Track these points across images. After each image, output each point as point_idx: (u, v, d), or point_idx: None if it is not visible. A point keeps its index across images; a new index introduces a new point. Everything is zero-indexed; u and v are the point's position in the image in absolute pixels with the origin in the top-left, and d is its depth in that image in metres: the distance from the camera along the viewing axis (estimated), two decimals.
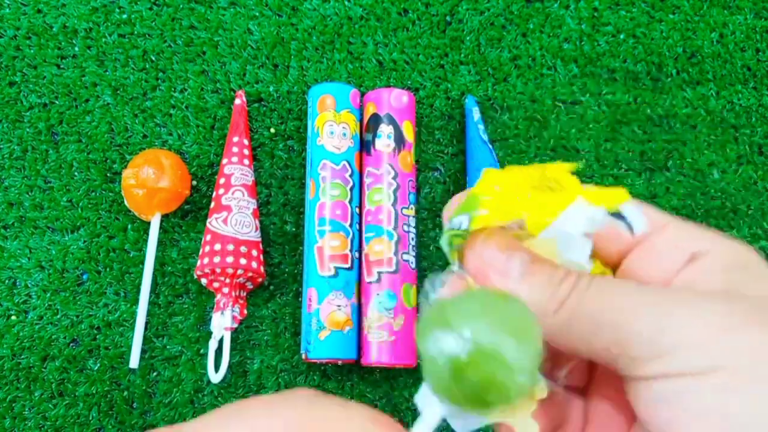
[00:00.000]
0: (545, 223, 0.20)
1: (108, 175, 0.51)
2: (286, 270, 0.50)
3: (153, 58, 0.54)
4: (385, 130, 0.50)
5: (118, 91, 0.53)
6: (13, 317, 0.48)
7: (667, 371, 0.18)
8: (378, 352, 0.46)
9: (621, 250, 0.22)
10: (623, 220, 0.20)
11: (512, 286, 0.20)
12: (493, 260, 0.21)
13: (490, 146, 0.51)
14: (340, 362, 0.46)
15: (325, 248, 0.47)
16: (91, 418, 0.47)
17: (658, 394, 0.18)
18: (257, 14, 0.55)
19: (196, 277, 0.48)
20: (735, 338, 0.17)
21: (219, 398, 0.48)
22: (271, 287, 0.50)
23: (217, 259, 0.46)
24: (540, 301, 0.20)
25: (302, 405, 0.19)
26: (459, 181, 0.52)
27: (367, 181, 0.49)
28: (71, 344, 0.48)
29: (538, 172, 0.21)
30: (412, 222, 0.49)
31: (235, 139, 0.51)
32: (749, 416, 0.17)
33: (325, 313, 0.46)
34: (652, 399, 0.18)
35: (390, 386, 0.48)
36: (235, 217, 0.48)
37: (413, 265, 0.48)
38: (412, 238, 0.49)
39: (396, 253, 0.47)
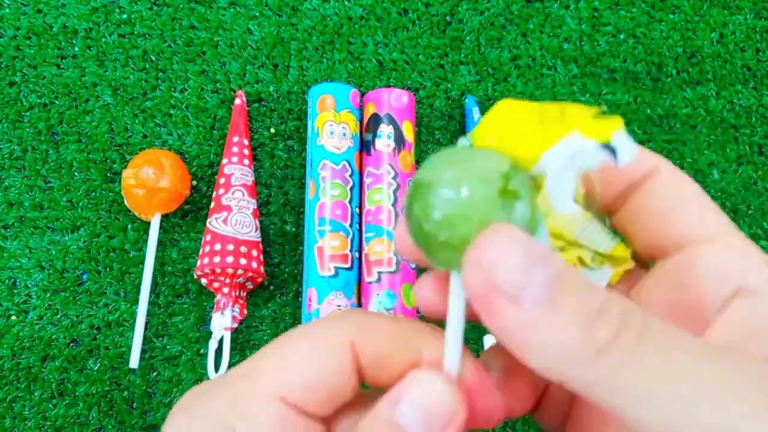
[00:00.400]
0: (530, 156, 0.17)
1: (108, 175, 0.51)
2: (286, 270, 0.50)
3: (153, 58, 0.54)
4: (385, 130, 0.50)
5: (118, 91, 0.53)
6: (13, 317, 0.48)
7: None
8: None
9: (620, 193, 0.20)
10: (613, 153, 0.17)
11: (523, 318, 0.15)
12: (503, 273, 0.15)
13: None
14: None
15: (325, 248, 0.47)
16: (91, 418, 0.47)
17: None
18: (257, 14, 0.55)
19: (196, 277, 0.48)
20: None
21: None
22: (271, 287, 0.50)
23: (217, 259, 0.46)
24: (566, 346, 0.15)
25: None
26: None
27: (367, 181, 0.49)
28: (71, 344, 0.48)
29: (553, 109, 0.18)
30: None
31: (235, 139, 0.51)
32: None
33: (325, 313, 0.46)
34: None
35: None
36: (235, 217, 0.48)
37: (413, 265, 0.48)
38: None
39: (396, 253, 0.47)
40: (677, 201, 0.19)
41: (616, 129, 0.17)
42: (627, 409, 0.15)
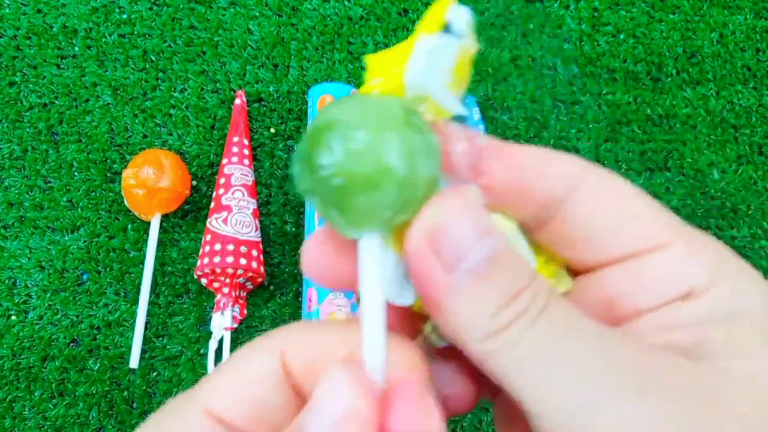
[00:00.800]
0: (400, 82, 0.16)
1: (108, 175, 0.51)
2: (286, 270, 0.50)
3: (153, 58, 0.54)
4: None
5: (118, 91, 0.53)
6: (13, 317, 0.48)
7: None
8: None
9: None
10: (453, 34, 0.16)
11: (452, 285, 0.15)
12: (449, 238, 0.15)
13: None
14: None
15: None
16: (91, 418, 0.47)
17: None
18: (257, 14, 0.55)
19: (196, 277, 0.48)
20: None
21: None
22: (271, 287, 0.50)
23: (217, 259, 0.46)
24: (477, 318, 0.15)
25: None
26: None
27: None
28: (71, 344, 0.48)
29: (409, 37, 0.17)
30: None
31: (235, 139, 0.51)
32: None
33: (325, 313, 0.46)
34: None
35: None
36: (235, 217, 0.48)
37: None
38: None
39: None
40: (608, 213, 0.18)
41: (446, 9, 0.16)
42: (511, 384, 0.15)
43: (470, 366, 0.19)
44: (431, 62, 0.16)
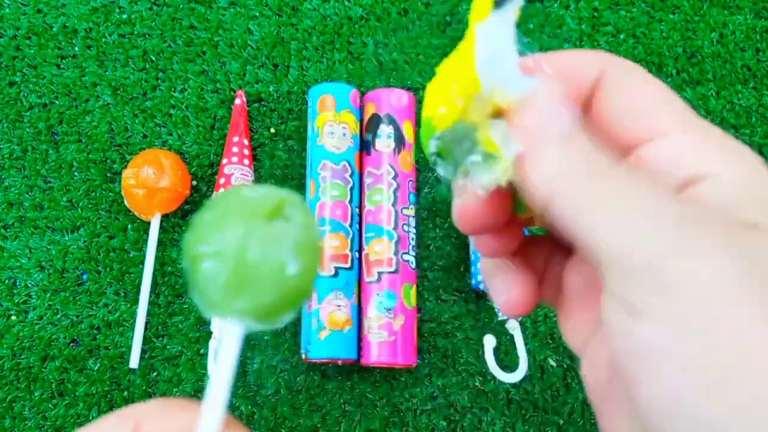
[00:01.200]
0: (474, 77, 0.18)
1: (108, 175, 0.51)
2: None
3: (153, 58, 0.54)
4: (385, 130, 0.50)
5: (118, 91, 0.53)
6: (13, 317, 0.48)
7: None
8: (378, 352, 0.46)
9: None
10: (503, 4, 0.18)
11: (545, 145, 0.18)
12: (544, 117, 0.18)
13: None
14: (340, 362, 0.46)
15: (325, 248, 0.47)
16: (91, 418, 0.47)
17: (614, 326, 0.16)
18: (257, 14, 0.55)
19: None
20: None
21: None
22: None
23: None
24: (560, 165, 0.17)
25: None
26: None
27: (367, 181, 0.49)
28: (71, 344, 0.48)
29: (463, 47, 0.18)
30: (412, 222, 0.49)
31: (235, 139, 0.51)
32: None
33: (325, 313, 0.46)
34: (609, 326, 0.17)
35: (390, 386, 0.48)
36: None
37: (413, 265, 0.48)
38: (412, 238, 0.49)
39: (396, 253, 0.47)
40: (631, 99, 0.19)
41: None
42: (584, 229, 0.17)
43: (534, 266, 0.22)
44: (493, 44, 0.18)
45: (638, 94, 0.19)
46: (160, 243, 0.50)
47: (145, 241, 0.50)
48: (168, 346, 0.48)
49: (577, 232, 0.17)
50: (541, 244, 0.23)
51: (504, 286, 0.22)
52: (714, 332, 0.14)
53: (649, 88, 0.19)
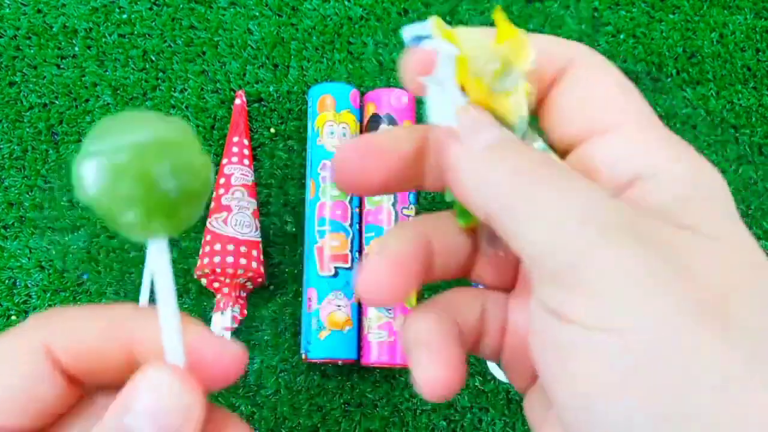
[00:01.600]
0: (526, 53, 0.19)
1: None
2: (286, 270, 0.50)
3: (153, 58, 0.54)
4: (385, 130, 0.50)
5: (118, 91, 0.53)
6: (13, 317, 0.48)
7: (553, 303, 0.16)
8: (378, 352, 0.46)
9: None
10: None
11: (471, 151, 0.18)
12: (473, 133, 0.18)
13: None
14: (340, 362, 0.46)
15: (325, 248, 0.47)
16: None
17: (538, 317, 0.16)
18: (257, 14, 0.55)
19: (196, 277, 0.48)
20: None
21: (219, 398, 0.48)
22: (271, 287, 0.50)
23: (217, 259, 0.46)
24: (497, 172, 0.17)
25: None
26: None
27: None
28: None
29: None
30: None
31: (235, 139, 0.51)
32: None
33: (325, 313, 0.46)
34: (534, 320, 0.17)
35: (390, 386, 0.48)
36: (235, 217, 0.48)
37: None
38: None
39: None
40: (586, 93, 0.19)
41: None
42: (517, 235, 0.17)
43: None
44: (439, 93, 0.20)
45: (593, 87, 0.19)
46: None
47: None
48: None
49: (507, 233, 0.17)
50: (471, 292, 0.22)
51: (428, 361, 0.19)
52: (620, 327, 0.14)
53: (606, 80, 0.19)
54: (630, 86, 0.19)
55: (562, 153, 0.19)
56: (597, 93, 0.19)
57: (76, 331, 0.18)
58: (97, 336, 0.18)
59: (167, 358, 0.17)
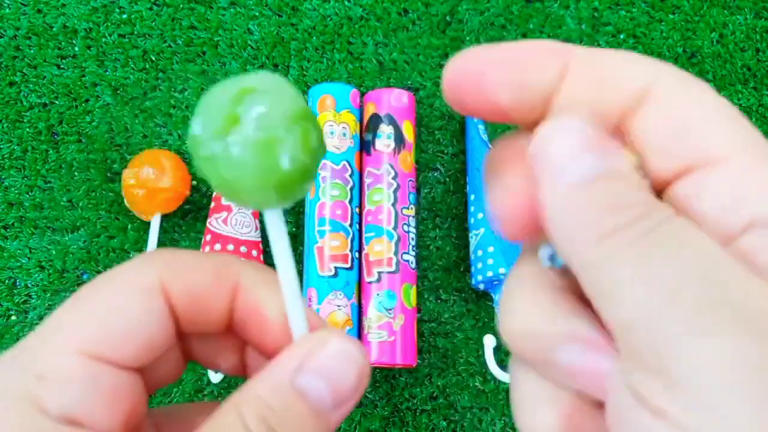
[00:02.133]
0: None
1: (108, 175, 0.51)
2: None
3: (153, 58, 0.54)
4: (385, 130, 0.50)
5: (118, 91, 0.53)
6: (13, 317, 0.48)
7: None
8: (378, 352, 0.46)
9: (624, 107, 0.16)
10: None
11: (557, 191, 0.15)
12: (556, 147, 0.15)
13: (490, 146, 0.51)
14: None
15: (325, 248, 0.47)
16: None
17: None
18: (257, 14, 0.55)
19: None
20: None
21: (219, 398, 0.48)
22: None
23: None
24: (579, 225, 0.14)
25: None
26: (459, 181, 0.52)
27: (367, 181, 0.49)
28: None
29: None
30: (412, 222, 0.49)
31: None
32: None
33: (325, 313, 0.46)
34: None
35: (390, 386, 0.48)
36: (235, 217, 0.48)
37: (413, 265, 0.48)
38: (412, 238, 0.49)
39: (396, 253, 0.47)
40: (680, 120, 0.15)
41: None
42: (601, 299, 0.14)
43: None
44: None
45: (688, 111, 0.15)
46: (161, 243, 0.50)
47: (145, 241, 0.50)
48: None
49: (588, 289, 0.15)
50: None
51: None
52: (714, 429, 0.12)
53: (704, 103, 0.15)
54: (734, 110, 0.15)
55: (655, 192, 0.16)
56: (694, 119, 0.15)
57: (192, 271, 0.18)
58: (210, 279, 0.18)
59: (290, 324, 0.18)
